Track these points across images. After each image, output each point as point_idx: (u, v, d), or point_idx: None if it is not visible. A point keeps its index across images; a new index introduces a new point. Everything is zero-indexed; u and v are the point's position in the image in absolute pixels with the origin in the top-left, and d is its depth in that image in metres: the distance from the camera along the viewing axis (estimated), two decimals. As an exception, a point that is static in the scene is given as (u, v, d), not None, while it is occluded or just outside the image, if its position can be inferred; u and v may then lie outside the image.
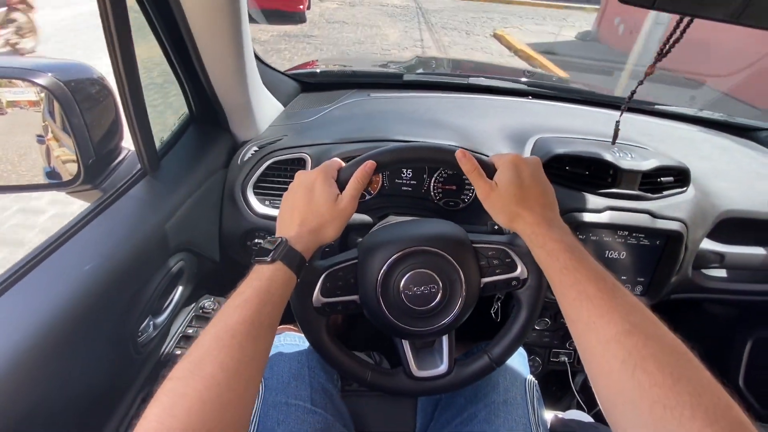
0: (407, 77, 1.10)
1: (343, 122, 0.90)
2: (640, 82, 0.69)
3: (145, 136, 0.62)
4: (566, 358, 1.01)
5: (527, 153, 0.80)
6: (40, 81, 0.55)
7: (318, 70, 1.13)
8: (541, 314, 0.90)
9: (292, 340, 0.74)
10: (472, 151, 0.54)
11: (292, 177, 0.78)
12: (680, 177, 0.78)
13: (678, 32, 0.60)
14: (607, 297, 0.40)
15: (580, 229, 0.74)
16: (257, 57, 0.86)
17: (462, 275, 0.54)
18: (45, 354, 0.42)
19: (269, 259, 0.44)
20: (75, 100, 0.58)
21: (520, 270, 0.55)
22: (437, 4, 10.50)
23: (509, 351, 0.57)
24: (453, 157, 0.53)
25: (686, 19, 0.60)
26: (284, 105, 0.98)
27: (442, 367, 0.57)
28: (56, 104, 0.60)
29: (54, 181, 0.72)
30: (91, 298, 0.48)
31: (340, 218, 0.51)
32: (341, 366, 0.57)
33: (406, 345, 0.58)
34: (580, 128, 0.88)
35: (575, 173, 0.76)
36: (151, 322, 0.62)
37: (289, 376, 0.65)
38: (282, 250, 0.45)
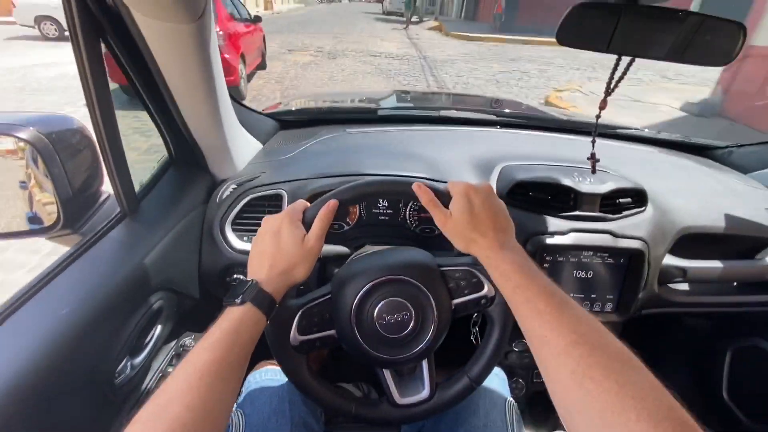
0: (381, 112, 1.16)
1: (319, 157, 0.94)
2: (598, 116, 0.75)
3: (123, 180, 0.65)
4: None
5: (493, 180, 0.85)
6: (23, 135, 0.58)
7: (294, 108, 1.19)
8: (519, 335, 0.91)
9: (272, 375, 0.74)
10: (430, 180, 0.57)
11: (272, 212, 0.82)
12: (638, 197, 0.83)
13: (620, 72, 0.67)
14: (556, 311, 0.42)
15: (547, 251, 0.78)
16: (233, 98, 0.91)
17: (432, 300, 0.55)
18: (20, 401, 0.43)
19: (239, 301, 0.46)
20: (56, 150, 0.61)
21: (487, 288, 0.57)
22: (446, 52, 8.53)
23: (487, 368, 0.58)
24: (410, 189, 0.56)
25: (628, 59, 0.67)
26: (263, 143, 1.02)
27: (424, 393, 0.58)
28: (35, 155, 0.63)
29: (36, 226, 0.74)
30: (68, 342, 0.49)
31: (308, 258, 0.53)
32: (325, 402, 0.57)
33: (387, 374, 0.59)
34: (544, 155, 0.93)
35: (538, 198, 0.80)
36: (129, 363, 0.62)
37: (270, 412, 0.65)
38: (251, 292, 0.47)
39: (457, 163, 0.89)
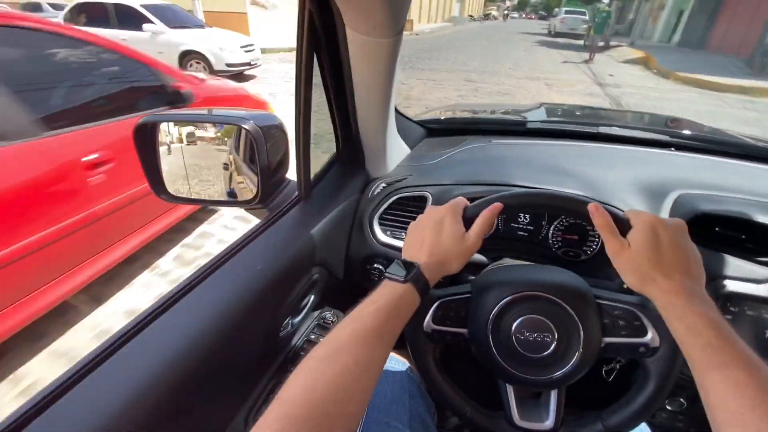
0: (531, 125, 1.12)
1: (464, 165, 0.97)
2: None
3: (305, 171, 0.78)
4: None
5: (666, 209, 0.74)
6: (247, 126, 0.75)
7: (443, 117, 1.24)
8: (676, 393, 0.78)
9: (395, 364, 0.79)
10: (605, 204, 0.53)
11: (414, 211, 0.88)
12: None
13: None
14: (762, 388, 0.36)
15: (732, 300, 0.65)
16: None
17: (581, 329, 0.52)
18: (222, 333, 0.55)
19: (402, 279, 0.50)
20: (264, 140, 0.76)
21: (651, 336, 0.51)
22: (636, 95, 6.26)
23: (628, 424, 0.52)
24: (584, 209, 0.53)
25: None
26: (411, 148, 1.09)
27: (548, 423, 0.55)
28: (250, 142, 0.81)
29: (233, 199, 0.94)
30: (258, 294, 0.62)
31: (465, 254, 0.55)
32: (444, 395, 0.58)
33: (510, 390, 0.57)
34: (735, 186, 0.78)
35: (726, 236, 0.67)
36: (290, 321, 0.74)
37: (391, 398, 0.70)
38: (414, 274, 0.51)
39: (618, 185, 0.81)
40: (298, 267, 0.73)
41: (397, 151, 1.01)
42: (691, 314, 0.44)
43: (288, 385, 0.39)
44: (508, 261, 0.79)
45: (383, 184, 0.93)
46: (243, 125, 0.74)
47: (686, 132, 1.05)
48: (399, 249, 0.87)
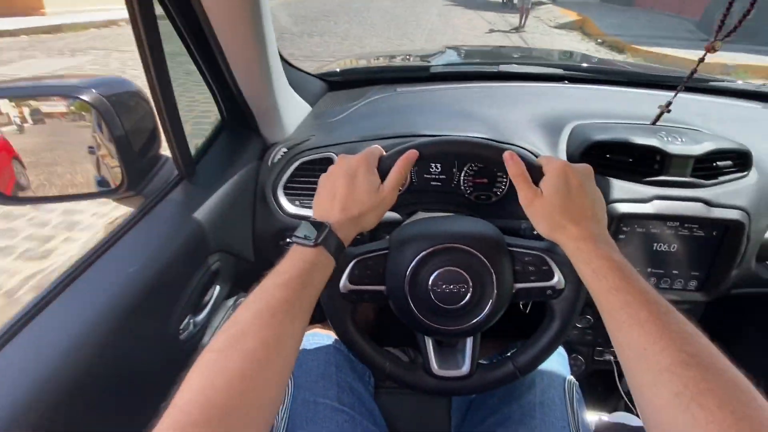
0: (434, 69, 1.08)
1: (369, 119, 0.90)
2: (701, 60, 0.63)
3: (180, 143, 0.65)
4: (611, 357, 0.95)
5: (563, 141, 0.76)
6: (85, 97, 0.59)
7: (343, 69, 1.14)
8: (583, 311, 0.85)
9: (321, 340, 0.75)
10: (518, 147, 0.52)
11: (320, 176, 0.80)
12: (740, 160, 0.71)
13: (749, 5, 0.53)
14: (661, 323, 0.37)
15: (624, 220, 0.69)
16: (283, 59, 0.88)
17: (494, 277, 0.53)
18: (96, 351, 0.46)
19: (312, 243, 0.45)
20: (116, 113, 0.61)
21: (557, 279, 0.53)
22: None
23: (536, 361, 0.56)
24: (499, 156, 0.51)
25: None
26: (311, 105, 0.99)
27: (464, 369, 0.57)
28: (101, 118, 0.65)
29: (104, 189, 0.78)
30: (137, 299, 0.51)
31: (381, 207, 0.51)
32: (362, 354, 0.57)
33: (428, 341, 0.58)
34: (623, 112, 0.82)
35: (618, 161, 0.71)
36: (192, 320, 0.65)
37: (317, 374, 0.66)
38: (325, 235, 0.46)
39: (521, 122, 0.81)
40: (190, 258, 0.63)
41: (294, 109, 0.90)
42: (596, 258, 0.45)
43: (182, 388, 0.33)
44: (421, 215, 0.76)
45: (284, 149, 0.83)
46: (80, 96, 0.59)
47: (577, 64, 1.09)
48: None
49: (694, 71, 0.62)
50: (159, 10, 0.54)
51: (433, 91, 1.00)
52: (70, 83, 0.62)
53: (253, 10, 0.60)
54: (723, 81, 1.04)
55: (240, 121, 0.81)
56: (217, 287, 0.73)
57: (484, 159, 0.56)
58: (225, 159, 0.77)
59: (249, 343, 0.36)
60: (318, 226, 0.47)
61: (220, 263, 0.71)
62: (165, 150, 0.72)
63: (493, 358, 0.70)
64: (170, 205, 0.65)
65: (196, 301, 0.66)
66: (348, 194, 0.50)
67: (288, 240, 0.83)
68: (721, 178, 0.70)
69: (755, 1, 0.51)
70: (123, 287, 0.51)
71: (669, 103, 0.66)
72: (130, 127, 0.65)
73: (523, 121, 0.81)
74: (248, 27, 0.61)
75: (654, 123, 0.68)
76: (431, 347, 0.57)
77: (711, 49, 0.56)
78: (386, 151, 0.55)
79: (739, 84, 1.04)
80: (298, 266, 0.43)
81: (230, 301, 0.83)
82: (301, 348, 0.72)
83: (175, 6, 0.57)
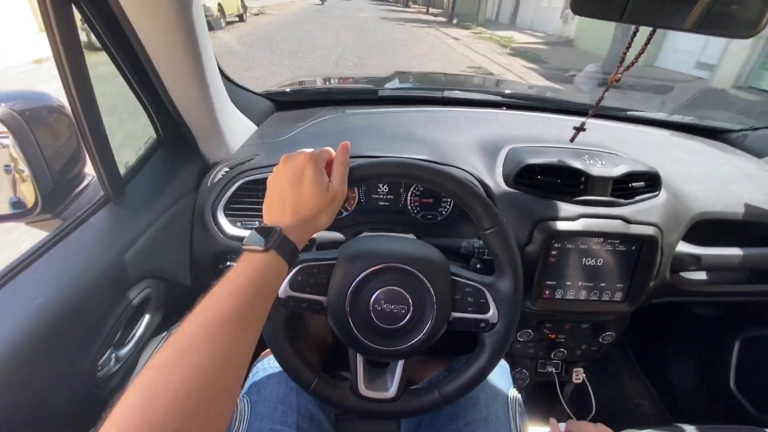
0: (382, 92, 1.11)
1: (316, 139, 0.90)
2: (606, 89, 0.71)
3: (106, 162, 0.61)
4: (553, 369, 0.99)
5: (499, 164, 0.80)
6: (-8, 111, 0.54)
7: (291, 89, 1.13)
8: (523, 325, 0.88)
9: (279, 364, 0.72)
10: (431, 161, 0.54)
11: (264, 197, 0.78)
12: (651, 182, 0.79)
13: (643, 45, 0.62)
14: None
15: (555, 237, 0.74)
16: (226, 77, 0.86)
17: (435, 304, 0.53)
18: None
19: (263, 248, 0.42)
20: (30, 129, 0.56)
21: (492, 313, 0.55)
22: None
23: (462, 391, 0.56)
24: (436, 178, 0.53)
25: (649, 30, 0.62)
26: (257, 124, 0.97)
27: (390, 392, 0.56)
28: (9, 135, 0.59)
29: (18, 210, 0.70)
30: (42, 334, 0.46)
31: (333, 204, 0.50)
32: (288, 366, 0.55)
33: (360, 360, 0.57)
34: (552, 137, 0.89)
35: (547, 182, 0.76)
36: (113, 355, 0.59)
37: (276, 400, 0.63)
38: (276, 239, 0.44)
39: (461, 145, 0.85)
40: (111, 287, 0.58)
41: (238, 128, 0.88)
42: None
43: (119, 408, 0.29)
44: (366, 235, 0.76)
45: (226, 169, 0.80)
46: (-15, 109, 0.53)
47: (514, 92, 1.17)
48: None
49: (601, 98, 0.70)
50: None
51: (381, 113, 1.02)
52: (-25, 96, 0.56)
53: (183, 21, 0.57)
54: (637, 111, 1.16)
55: (178, 140, 0.78)
56: (146, 316, 0.67)
57: (420, 181, 0.57)
58: (159, 179, 0.73)
59: (194, 356, 0.33)
60: (268, 231, 0.45)
61: (150, 290, 0.66)
62: (91, 170, 0.68)
63: (438, 376, 0.70)
64: (92, 229, 0.60)
65: (121, 334, 0.61)
66: (297, 197, 0.48)
67: (229, 263, 0.79)
68: (637, 198, 0.77)
69: (649, 41, 0.59)
70: (24, 322, 0.45)
71: (583, 124, 0.73)
72: (48, 145, 0.60)
73: (464, 144, 0.85)
74: (179, 39, 0.59)
75: (572, 140, 0.75)
76: (361, 366, 0.56)
77: (615, 80, 0.63)
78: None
79: (652, 114, 1.17)
80: (248, 273, 0.41)
81: (164, 333, 0.77)
82: (260, 372, 0.68)
83: (97, 17, 0.53)
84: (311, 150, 0.51)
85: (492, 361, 0.55)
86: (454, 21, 14.79)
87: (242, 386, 0.57)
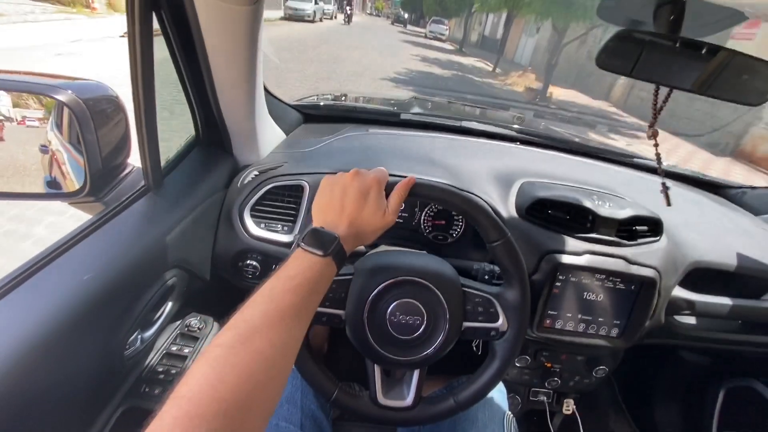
0: (404, 116, 1.17)
1: (341, 154, 0.95)
2: (656, 144, 0.74)
3: (152, 154, 0.65)
4: (545, 398, 1.02)
5: (513, 195, 0.85)
6: (61, 97, 0.58)
7: (321, 103, 1.19)
8: (522, 351, 0.92)
9: None
10: (451, 186, 0.57)
11: (290, 201, 0.83)
12: (654, 227, 0.83)
13: (660, 101, 0.68)
14: None
15: (561, 269, 0.78)
16: (264, 87, 0.91)
17: (448, 313, 0.57)
18: (38, 358, 0.43)
19: (323, 254, 0.46)
20: (90, 116, 0.61)
21: (501, 322, 0.59)
22: None
23: (476, 397, 0.59)
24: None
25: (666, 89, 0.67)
26: (286, 134, 1.02)
27: (407, 401, 0.59)
28: (67, 118, 0.63)
29: (54, 191, 0.74)
30: (87, 308, 0.49)
31: (381, 229, 0.53)
32: (312, 377, 0.57)
33: (377, 370, 0.59)
34: (563, 175, 0.94)
35: (556, 216, 0.81)
36: (140, 336, 0.62)
37: (283, 398, 0.66)
38: (336, 247, 0.47)
39: (478, 174, 0.90)
40: (146, 271, 0.61)
41: (270, 136, 0.93)
42: None
43: (188, 379, 0.32)
44: (384, 248, 0.80)
45: (255, 172, 0.85)
46: (55, 95, 0.58)
47: (528, 129, 1.23)
48: (275, 243, 0.81)
49: (659, 156, 0.74)
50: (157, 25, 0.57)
51: (403, 136, 1.08)
52: (46, 82, 0.61)
53: (249, 34, 0.63)
54: (645, 159, 1.23)
55: (214, 140, 0.82)
56: (169, 304, 0.71)
57: (428, 198, 0.60)
58: (194, 175, 0.77)
59: (258, 342, 0.37)
60: (328, 237, 0.48)
61: (176, 279, 0.69)
62: (132, 160, 0.72)
63: (438, 392, 0.73)
64: (132, 215, 0.64)
65: (147, 316, 0.64)
66: (358, 212, 0.51)
67: (249, 262, 0.82)
68: (639, 240, 0.82)
69: (667, 98, 0.65)
70: (73, 295, 0.49)
71: (664, 184, 0.75)
72: (101, 132, 0.65)
73: (481, 173, 0.90)
74: (241, 53, 0.64)
75: (668, 204, 0.74)
76: (378, 376, 0.59)
77: (651, 135, 0.69)
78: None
79: (656, 164, 1.23)
80: (307, 274, 0.44)
81: (179, 321, 0.80)
82: None
83: (172, 23, 0.59)
84: (379, 173, 0.55)
85: (503, 367, 0.58)
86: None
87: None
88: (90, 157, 0.62)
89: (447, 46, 20.40)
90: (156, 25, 0.58)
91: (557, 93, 10.26)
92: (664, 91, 0.66)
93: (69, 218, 2.08)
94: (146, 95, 0.57)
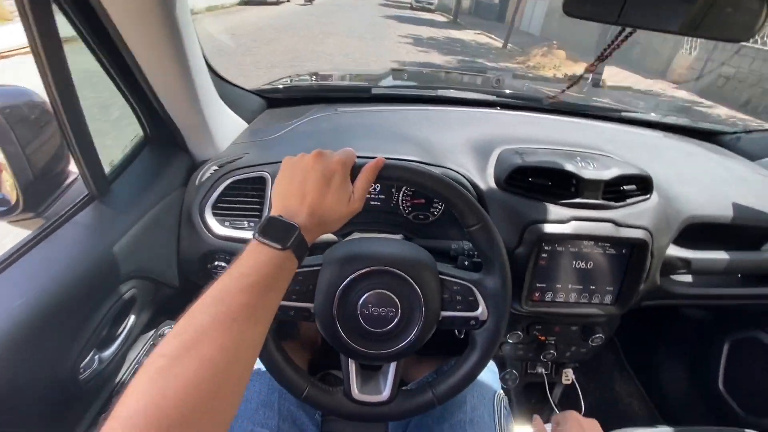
0: (375, 90, 1.10)
1: (308, 138, 0.89)
2: (577, 80, 0.70)
3: (89, 160, 0.59)
4: (543, 370, 1.00)
5: (491, 165, 0.80)
6: (-30, 107, 0.52)
7: (282, 86, 1.12)
8: (513, 327, 0.88)
9: (262, 366, 0.71)
10: (421, 162, 0.52)
11: (254, 195, 0.77)
12: (643, 185, 0.78)
13: (619, 40, 0.62)
14: None
15: (546, 240, 0.74)
16: (215, 73, 0.85)
17: (423, 303, 0.53)
18: None
19: (281, 247, 0.41)
20: (10, 126, 0.55)
21: (481, 310, 0.55)
22: None
23: (455, 390, 0.56)
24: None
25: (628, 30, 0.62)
26: (248, 122, 0.96)
27: (384, 395, 0.56)
28: None
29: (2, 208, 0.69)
30: (20, 338, 0.45)
31: (347, 216, 0.49)
32: (280, 375, 0.54)
33: (351, 364, 0.57)
34: (545, 137, 0.88)
35: (538, 184, 0.75)
36: (97, 356, 0.58)
37: (258, 402, 0.63)
38: (296, 240, 0.43)
39: (453, 146, 0.84)
40: (96, 287, 0.57)
41: (227, 126, 0.87)
42: None
43: (125, 398, 0.29)
44: (357, 236, 0.76)
45: (214, 167, 0.79)
46: (-37, 106, 0.52)
47: (508, 91, 1.16)
48: (242, 241, 0.77)
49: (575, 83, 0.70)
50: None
51: (373, 112, 1.01)
52: (-47, 92, 0.55)
53: (166, 15, 0.56)
54: (631, 112, 1.16)
55: (164, 137, 0.77)
56: (132, 317, 0.67)
57: (401, 181, 0.55)
58: (146, 177, 0.72)
59: (205, 349, 0.33)
60: (286, 227, 0.43)
61: (136, 291, 0.65)
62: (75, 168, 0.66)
63: (421, 380, 0.70)
64: (75, 228, 0.59)
65: (105, 333, 0.60)
66: (320, 199, 0.46)
67: (217, 263, 0.78)
68: (628, 201, 0.77)
69: (627, 37, 0.59)
70: (4, 324, 0.45)
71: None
72: (29, 142, 0.59)
73: (457, 145, 0.85)
74: (162, 35, 0.58)
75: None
76: (353, 370, 0.56)
77: (590, 70, 0.63)
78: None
79: (647, 115, 1.17)
80: (263, 270, 0.40)
81: (151, 332, 0.76)
82: None
83: (77, 13, 0.52)
84: (344, 155, 0.49)
85: (484, 357, 0.55)
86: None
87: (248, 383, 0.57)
88: (17, 170, 0.57)
89: (438, 17, 18.53)
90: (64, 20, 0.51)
91: (613, 77, 7.72)
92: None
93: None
94: (63, 96, 0.52)
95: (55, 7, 0.48)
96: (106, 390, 0.63)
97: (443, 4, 21.77)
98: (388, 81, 1.30)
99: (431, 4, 20.14)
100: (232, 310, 0.36)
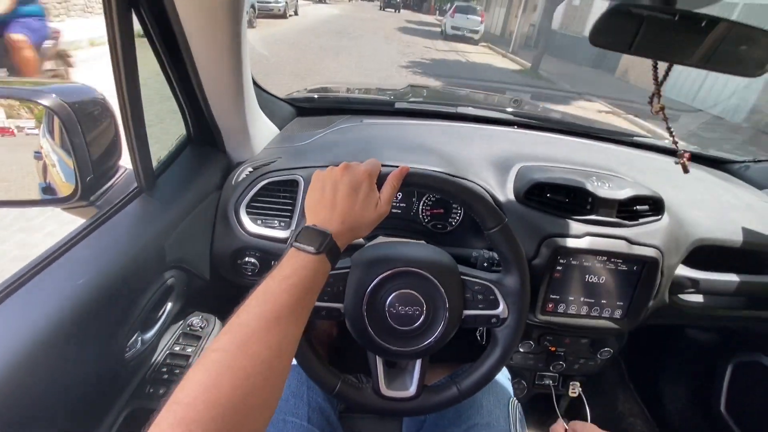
0: (398, 105, 1.15)
1: (336, 146, 0.94)
2: (665, 119, 0.71)
3: (143, 156, 0.64)
4: (550, 382, 1.02)
5: (510, 180, 0.84)
6: (45, 102, 0.58)
7: (314, 96, 1.18)
8: (525, 337, 0.91)
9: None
10: (447, 174, 0.55)
11: (286, 197, 0.82)
12: (655, 206, 0.82)
13: (661, 76, 0.66)
14: None
15: (561, 253, 0.77)
16: (254, 82, 0.90)
17: (447, 303, 0.56)
18: (35, 365, 0.43)
19: (315, 252, 0.46)
20: (77, 120, 0.60)
21: (502, 308, 0.58)
22: None
23: (479, 385, 0.59)
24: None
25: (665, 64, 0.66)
26: (280, 128, 1.01)
27: (410, 391, 0.59)
28: (57, 123, 0.63)
29: (49, 197, 0.73)
30: (83, 313, 0.49)
31: (376, 222, 0.53)
32: (313, 370, 0.58)
33: (379, 362, 0.59)
34: (561, 157, 0.93)
35: (555, 200, 0.80)
36: (140, 338, 0.62)
37: (289, 393, 0.66)
38: (328, 245, 0.47)
39: (474, 160, 0.88)
40: (144, 273, 0.61)
41: (262, 131, 0.92)
42: None
43: (185, 384, 0.33)
44: (382, 239, 0.80)
45: (249, 169, 0.84)
46: (39, 100, 0.57)
47: (525, 112, 1.21)
48: (272, 239, 0.81)
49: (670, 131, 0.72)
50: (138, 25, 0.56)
51: (397, 125, 1.06)
52: (30, 87, 0.60)
53: (232, 33, 0.62)
54: (644, 138, 1.20)
55: (206, 139, 0.82)
56: (169, 304, 0.71)
57: (423, 187, 0.59)
58: (187, 175, 0.77)
59: (254, 346, 0.37)
60: (319, 234, 0.47)
61: (174, 280, 0.69)
62: (124, 162, 0.71)
63: (442, 380, 0.73)
64: (127, 218, 0.63)
65: (147, 317, 0.64)
66: (350, 208, 0.50)
67: (247, 259, 0.82)
68: (640, 220, 0.81)
69: (667, 74, 0.63)
70: (69, 299, 0.49)
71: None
72: (89, 136, 0.64)
73: (477, 159, 0.89)
74: (225, 47, 0.63)
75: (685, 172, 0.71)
76: (381, 368, 0.59)
77: (657, 111, 0.67)
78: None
79: (659, 141, 1.21)
80: (301, 273, 0.44)
81: (180, 321, 0.80)
82: None
83: (153, 22, 0.58)
84: (370, 166, 0.54)
85: (505, 354, 0.58)
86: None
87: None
88: (79, 161, 0.61)
89: (509, 63, 10.66)
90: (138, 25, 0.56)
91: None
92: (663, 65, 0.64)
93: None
94: (131, 96, 0.57)
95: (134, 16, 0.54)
96: (141, 372, 0.67)
97: (492, 35, 15.15)
98: (409, 96, 1.35)
99: (475, 31, 13.37)
100: (276, 310, 0.40)
